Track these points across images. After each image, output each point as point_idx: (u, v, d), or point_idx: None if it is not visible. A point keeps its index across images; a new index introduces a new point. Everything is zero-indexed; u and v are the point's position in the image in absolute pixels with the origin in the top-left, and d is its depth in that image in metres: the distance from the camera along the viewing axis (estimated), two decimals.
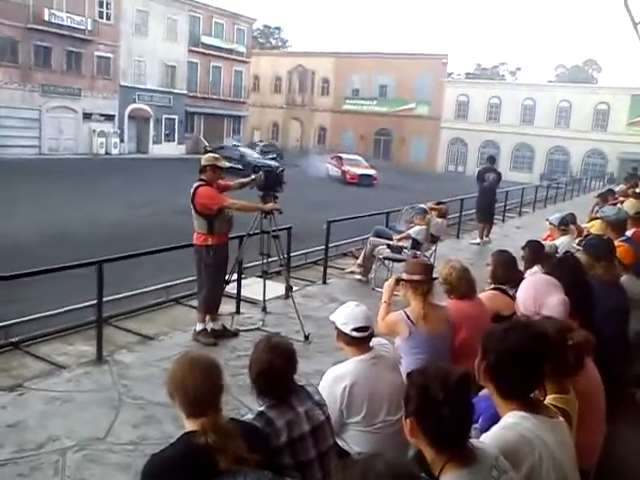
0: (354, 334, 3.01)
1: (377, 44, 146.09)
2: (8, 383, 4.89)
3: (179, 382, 2.13)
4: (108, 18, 38.30)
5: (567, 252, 4.67)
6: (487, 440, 1.87)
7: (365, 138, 54.61)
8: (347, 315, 3.05)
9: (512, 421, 1.92)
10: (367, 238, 9.26)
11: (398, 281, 3.89)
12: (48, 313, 6.89)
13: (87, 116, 37.66)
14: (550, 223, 6.88)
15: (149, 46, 40.95)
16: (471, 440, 1.77)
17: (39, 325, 6.53)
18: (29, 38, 33.86)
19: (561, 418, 2.04)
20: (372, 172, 32.99)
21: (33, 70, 34.52)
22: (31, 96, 34.56)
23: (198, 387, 2.10)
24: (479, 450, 1.74)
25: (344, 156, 35.72)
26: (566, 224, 6.79)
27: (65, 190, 20.92)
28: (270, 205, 6.09)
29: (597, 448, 2.55)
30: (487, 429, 1.98)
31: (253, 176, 6.24)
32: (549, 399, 2.20)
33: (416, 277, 3.72)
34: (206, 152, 5.90)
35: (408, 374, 1.86)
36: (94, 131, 37.83)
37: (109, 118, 39.14)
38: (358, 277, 8.76)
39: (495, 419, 2.02)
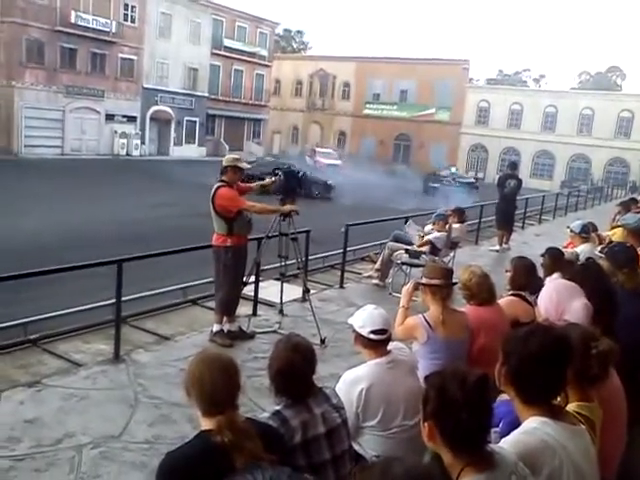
0: (372, 337, 2.99)
1: (398, 49, 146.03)
2: (26, 379, 4.95)
3: (197, 379, 2.13)
4: (133, 21, 38.78)
5: (589, 259, 4.60)
6: (507, 444, 1.84)
7: (385, 143, 54.54)
8: (365, 318, 3.04)
9: (533, 426, 1.89)
10: (385, 243, 9.22)
11: (417, 286, 3.86)
12: (67, 311, 6.96)
13: (109, 117, 38.14)
14: (571, 231, 6.79)
15: (172, 49, 41.37)
16: (490, 445, 1.74)
17: (57, 323, 6.60)
18: (55, 40, 34.42)
19: (583, 426, 2.00)
20: (338, 162, 39.78)
21: (58, 71, 35.05)
22: (55, 97, 35.09)
23: (215, 385, 2.09)
24: (498, 455, 1.71)
25: (318, 149, 43.71)
26: (587, 232, 6.70)
27: (87, 191, 21.15)
28: (288, 207, 6.06)
29: (618, 457, 2.50)
30: (508, 433, 1.95)
31: (274, 178, 6.24)
32: (572, 406, 2.16)
33: (435, 281, 3.69)
34: None
35: (426, 376, 1.84)
36: (116, 132, 38.29)
37: (131, 119, 39.58)
38: (375, 282, 8.73)
39: (516, 424, 1.99)
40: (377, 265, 8.86)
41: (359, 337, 3.05)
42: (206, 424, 2.09)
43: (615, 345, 2.34)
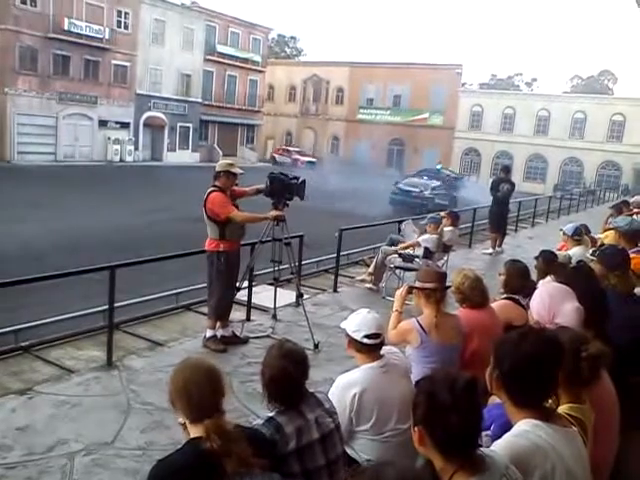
0: (365, 341, 2.98)
1: (392, 54, 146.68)
2: (18, 387, 4.91)
3: (180, 389, 2.13)
4: (126, 27, 38.77)
5: (580, 261, 4.61)
6: (498, 448, 1.84)
7: (378, 147, 54.64)
8: (358, 322, 3.03)
9: (525, 429, 1.88)
10: (379, 247, 9.23)
11: (410, 289, 3.86)
12: (59, 318, 6.92)
13: (103, 123, 38.08)
14: (564, 233, 6.82)
15: (165, 55, 41.38)
16: (481, 448, 1.74)
17: (50, 330, 6.56)
18: (49, 47, 34.38)
19: (575, 428, 1.99)
20: (314, 160, 48.12)
21: (51, 78, 34.99)
22: (48, 104, 35.01)
23: (200, 392, 2.10)
24: (489, 458, 1.70)
25: (291, 149, 52.43)
26: (580, 234, 6.72)
27: (80, 197, 21.10)
28: (273, 213, 5.98)
29: (611, 461, 2.50)
30: (500, 436, 1.94)
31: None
32: (564, 408, 2.16)
33: (429, 285, 3.68)
34: None
35: (416, 382, 1.84)
36: (109, 138, 38.23)
37: (124, 126, 39.53)
38: (369, 286, 8.73)
39: (508, 427, 1.98)
40: (370, 269, 8.86)
41: (352, 341, 3.04)
42: (194, 432, 2.09)
43: (606, 348, 2.34)
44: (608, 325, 3.00)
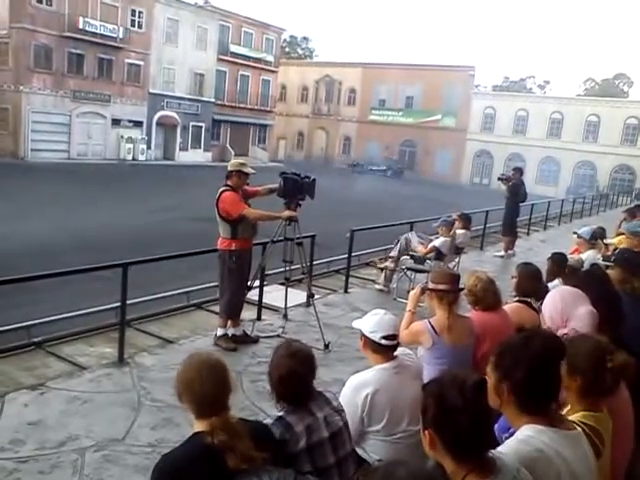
0: (383, 342, 2.97)
1: (404, 55, 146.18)
2: (31, 382, 4.96)
3: (186, 384, 2.17)
4: (140, 26, 38.93)
5: (594, 265, 4.59)
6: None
7: (390, 149, 54.56)
8: (376, 323, 3.01)
9: (528, 434, 1.84)
10: (388, 248, 9.20)
11: (424, 290, 3.85)
12: (72, 314, 6.97)
13: (116, 122, 38.25)
14: (579, 236, 6.75)
15: (179, 54, 41.52)
16: (492, 450, 1.72)
17: (63, 326, 6.61)
18: (63, 45, 34.61)
19: (579, 429, 1.95)
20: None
21: (66, 76, 35.22)
22: (62, 102, 35.24)
23: (205, 387, 2.13)
24: (500, 460, 1.68)
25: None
26: (596, 238, 6.67)
27: (93, 195, 21.22)
28: (287, 213, 5.99)
29: (624, 470, 2.47)
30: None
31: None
32: (577, 416, 2.11)
33: (442, 287, 3.67)
34: None
35: (424, 385, 1.82)
36: (122, 137, 38.37)
37: (137, 124, 39.69)
38: (380, 287, 8.71)
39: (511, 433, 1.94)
40: (393, 252, 8.73)
41: (369, 342, 3.01)
42: (199, 426, 2.13)
43: (631, 358, 2.28)
44: (623, 329, 2.97)
